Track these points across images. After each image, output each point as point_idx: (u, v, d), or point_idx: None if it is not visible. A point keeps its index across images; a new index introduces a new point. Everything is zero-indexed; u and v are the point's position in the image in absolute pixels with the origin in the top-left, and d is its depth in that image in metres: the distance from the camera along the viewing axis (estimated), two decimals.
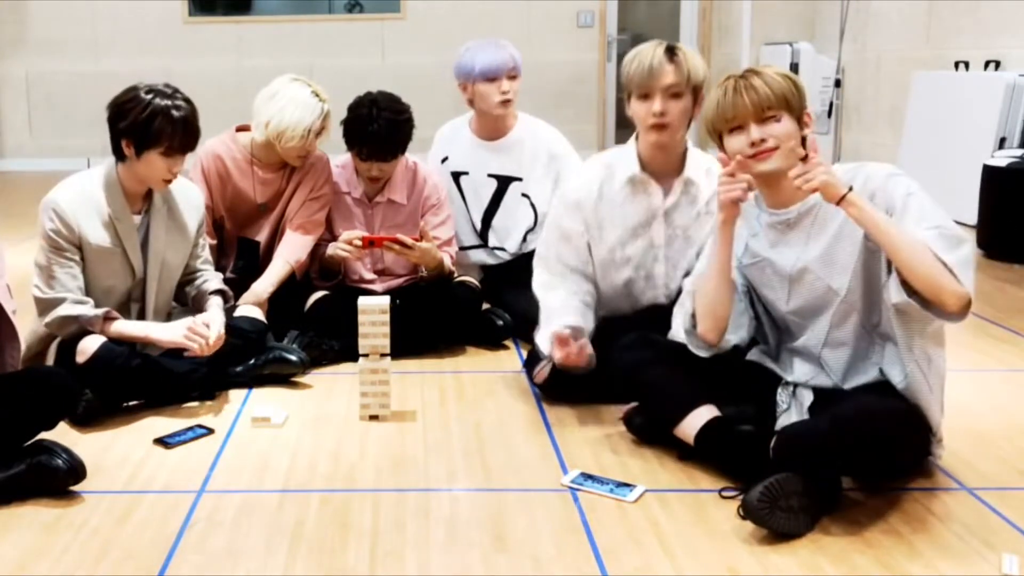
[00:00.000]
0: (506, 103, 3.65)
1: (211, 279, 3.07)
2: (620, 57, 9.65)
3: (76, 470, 2.31)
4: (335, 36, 9.01)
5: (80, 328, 2.76)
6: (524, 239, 3.79)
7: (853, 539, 2.10)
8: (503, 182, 3.75)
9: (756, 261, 2.41)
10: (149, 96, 2.76)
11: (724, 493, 2.29)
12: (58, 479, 2.30)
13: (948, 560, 2.03)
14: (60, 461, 2.29)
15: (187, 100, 2.81)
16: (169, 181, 2.84)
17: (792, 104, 2.26)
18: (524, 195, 3.75)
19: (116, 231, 2.83)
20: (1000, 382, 3.17)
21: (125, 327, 2.81)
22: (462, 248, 3.77)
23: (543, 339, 2.83)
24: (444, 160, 3.81)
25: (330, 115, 3.35)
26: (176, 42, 8.87)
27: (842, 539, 2.10)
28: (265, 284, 3.31)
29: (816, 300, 2.35)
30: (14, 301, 2.39)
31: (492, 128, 3.74)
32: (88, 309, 2.77)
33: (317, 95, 3.32)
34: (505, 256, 3.80)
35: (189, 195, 3.02)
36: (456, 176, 3.79)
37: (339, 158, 3.59)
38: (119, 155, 2.81)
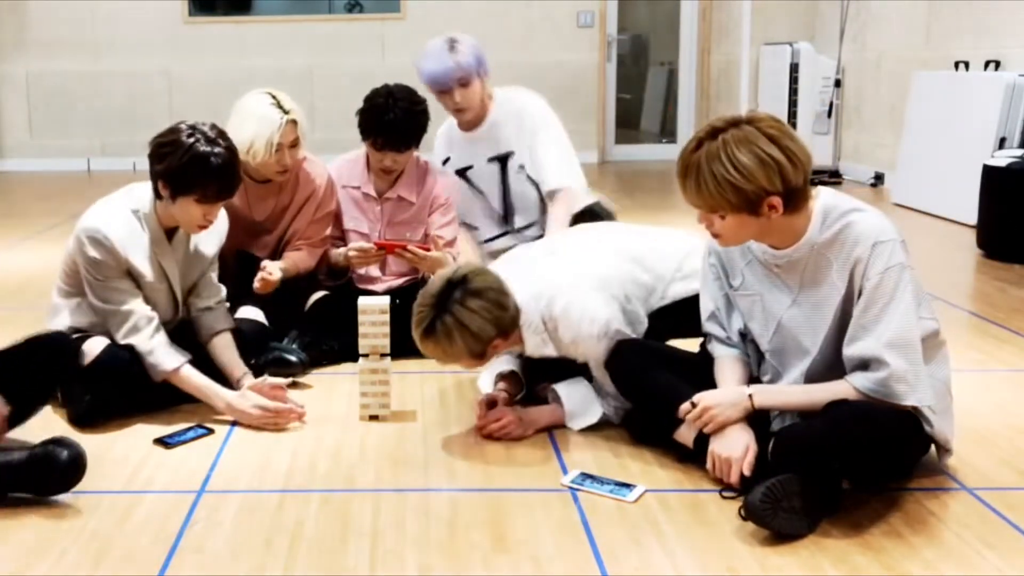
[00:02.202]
0: (460, 112, 3.55)
1: (215, 308, 2.99)
2: (620, 57, 9.66)
3: (77, 461, 2.26)
4: (335, 36, 9.01)
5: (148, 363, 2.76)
6: (542, 214, 3.67)
7: (853, 540, 2.10)
8: (503, 160, 3.65)
9: (749, 294, 2.38)
10: (190, 140, 2.66)
11: (724, 494, 2.28)
12: (57, 468, 2.25)
13: (948, 560, 2.02)
14: (64, 451, 2.25)
15: (229, 147, 2.71)
16: (204, 227, 2.77)
17: (735, 203, 2.13)
18: (521, 166, 3.64)
19: (160, 265, 2.82)
20: (1000, 382, 3.17)
21: (195, 379, 2.78)
22: (487, 241, 3.73)
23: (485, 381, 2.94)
24: (446, 161, 3.77)
25: (297, 124, 3.26)
26: (176, 42, 8.87)
27: (842, 540, 2.10)
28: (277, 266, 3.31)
29: (792, 351, 2.33)
30: None
31: (470, 120, 3.64)
32: (162, 354, 2.75)
33: (279, 105, 3.23)
34: (531, 235, 3.67)
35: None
36: (462, 173, 3.74)
37: (348, 153, 3.61)
38: (157, 193, 2.76)
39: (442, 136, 3.81)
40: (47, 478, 2.27)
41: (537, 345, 2.66)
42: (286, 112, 3.23)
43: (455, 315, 2.46)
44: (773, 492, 2.07)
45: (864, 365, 2.17)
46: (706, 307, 2.49)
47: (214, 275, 3.04)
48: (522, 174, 3.65)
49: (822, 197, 2.23)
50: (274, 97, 3.26)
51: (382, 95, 3.37)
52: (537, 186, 3.65)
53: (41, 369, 2.53)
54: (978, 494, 2.32)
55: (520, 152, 3.64)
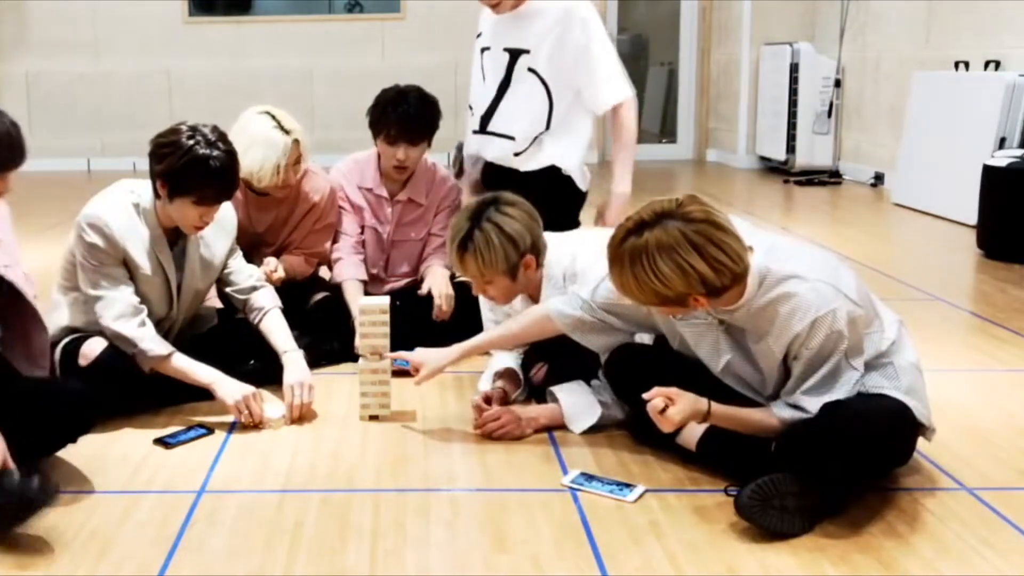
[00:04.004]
0: (493, 7, 3.32)
1: (258, 286, 3.04)
2: (620, 57, 9.63)
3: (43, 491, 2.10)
4: (335, 36, 9.01)
5: (131, 351, 2.72)
6: (536, 140, 3.39)
7: (853, 539, 2.10)
8: (513, 55, 3.39)
9: (695, 323, 2.36)
10: (190, 142, 2.66)
11: (730, 491, 2.27)
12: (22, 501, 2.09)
13: (948, 560, 2.03)
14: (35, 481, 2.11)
15: (229, 150, 2.71)
16: (200, 228, 2.79)
17: (656, 301, 2.17)
18: (531, 70, 3.35)
19: (159, 261, 2.82)
20: (1000, 382, 3.17)
21: (185, 362, 2.76)
22: (474, 132, 3.54)
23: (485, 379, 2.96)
24: (479, 36, 3.55)
25: (299, 143, 3.27)
26: (176, 42, 8.87)
27: (842, 539, 2.10)
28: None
29: (746, 381, 2.35)
30: (34, 286, 2.39)
31: (503, 7, 3.36)
32: (151, 341, 2.73)
33: (281, 127, 3.24)
34: (508, 148, 3.42)
35: (222, 218, 2.92)
36: (483, 52, 3.52)
37: (356, 154, 3.62)
38: (156, 192, 2.76)
39: (485, 13, 3.50)
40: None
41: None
42: (288, 133, 3.24)
43: (493, 221, 2.64)
44: (763, 490, 2.09)
45: (787, 403, 2.26)
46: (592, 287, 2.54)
47: (242, 260, 3.08)
48: (532, 76, 3.36)
49: (756, 258, 2.19)
50: (274, 118, 3.26)
51: (393, 91, 3.41)
52: (550, 100, 3.37)
53: (57, 424, 2.38)
54: (978, 494, 2.33)
55: (537, 52, 3.34)
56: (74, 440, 2.43)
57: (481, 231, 2.63)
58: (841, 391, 2.19)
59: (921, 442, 2.38)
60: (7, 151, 2.37)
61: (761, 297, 2.18)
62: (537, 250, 2.71)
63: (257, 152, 3.20)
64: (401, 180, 3.52)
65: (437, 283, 3.41)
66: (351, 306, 3.36)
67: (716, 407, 2.26)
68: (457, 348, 2.72)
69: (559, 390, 2.73)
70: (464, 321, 3.33)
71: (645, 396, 2.25)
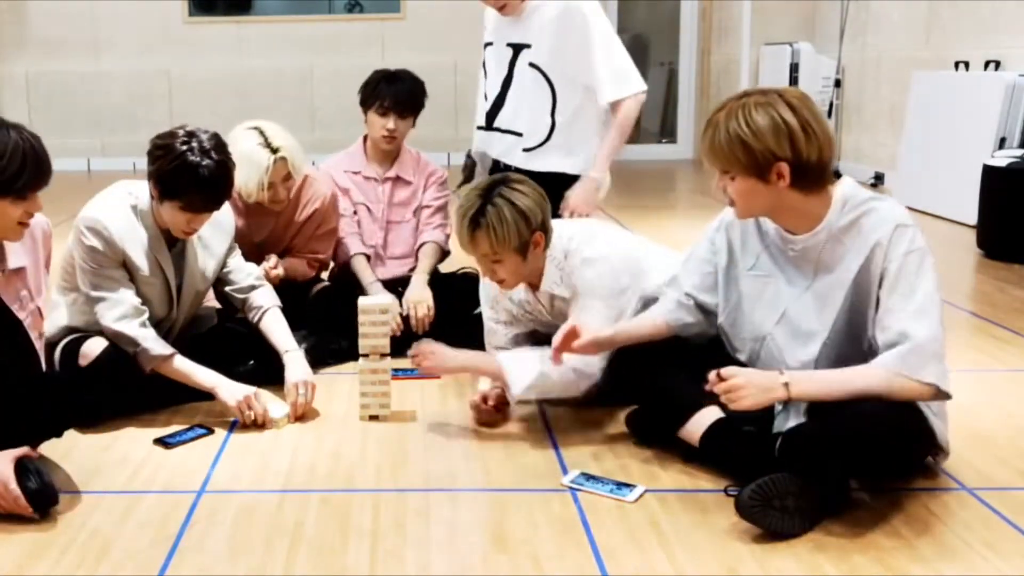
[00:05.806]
0: (501, 9, 3.37)
1: (257, 285, 3.05)
2: None
3: (45, 493, 2.20)
4: (335, 36, 9.00)
5: (133, 349, 2.72)
6: (548, 138, 3.41)
7: (853, 539, 2.10)
8: (516, 49, 3.42)
9: (760, 275, 2.37)
10: (183, 147, 2.65)
11: (730, 491, 2.27)
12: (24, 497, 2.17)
13: (948, 560, 2.02)
14: (31, 483, 2.18)
15: (222, 161, 2.69)
16: (188, 234, 2.79)
17: (743, 161, 2.17)
18: (532, 64, 3.37)
19: (157, 262, 2.82)
20: (1001, 382, 3.17)
21: (187, 365, 2.77)
22: (478, 128, 3.59)
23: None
24: (486, 33, 3.58)
25: (287, 160, 3.23)
26: (176, 42, 8.87)
27: (842, 539, 2.10)
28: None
29: (797, 336, 2.32)
30: (43, 321, 2.39)
31: (507, 9, 3.40)
32: (153, 342, 2.74)
33: (267, 144, 3.20)
34: (514, 144, 3.45)
35: (220, 220, 2.93)
36: (487, 47, 3.56)
37: (348, 148, 3.69)
38: (151, 192, 2.77)
39: (490, 11, 3.51)
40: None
41: (554, 281, 2.77)
42: (275, 151, 3.21)
43: (505, 196, 2.62)
44: (764, 490, 2.08)
45: (892, 345, 2.16)
46: (675, 274, 2.55)
47: (241, 259, 3.08)
48: (534, 71, 3.38)
49: (843, 186, 2.26)
50: (262, 134, 3.22)
51: (385, 71, 3.59)
52: (554, 95, 3.37)
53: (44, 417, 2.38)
54: (978, 494, 2.33)
55: (539, 47, 3.36)
56: (58, 435, 2.42)
57: (494, 206, 2.61)
58: (937, 322, 2.17)
59: None
60: (35, 167, 2.22)
61: (843, 217, 2.22)
62: (546, 228, 2.70)
63: (242, 171, 3.12)
64: (389, 152, 3.60)
65: (411, 294, 3.41)
66: (361, 277, 3.50)
67: (796, 386, 2.17)
68: (605, 333, 2.54)
69: (503, 356, 2.76)
70: (466, 316, 3.34)
71: (708, 387, 2.21)
